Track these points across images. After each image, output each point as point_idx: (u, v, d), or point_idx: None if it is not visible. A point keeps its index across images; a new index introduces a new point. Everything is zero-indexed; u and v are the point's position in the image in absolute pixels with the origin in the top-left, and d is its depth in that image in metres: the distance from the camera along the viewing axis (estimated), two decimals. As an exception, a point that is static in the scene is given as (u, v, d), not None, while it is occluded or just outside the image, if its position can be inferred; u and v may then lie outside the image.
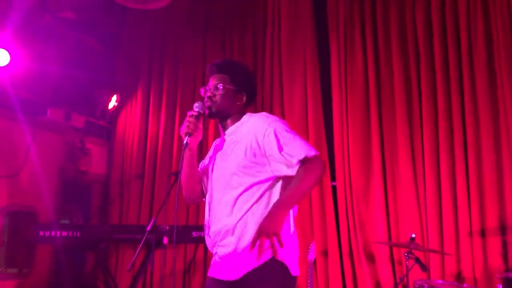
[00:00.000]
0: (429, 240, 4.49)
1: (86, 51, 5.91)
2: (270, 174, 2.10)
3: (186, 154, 2.27)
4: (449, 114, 4.59)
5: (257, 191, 2.09)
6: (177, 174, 4.20)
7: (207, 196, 2.30)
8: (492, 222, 4.26)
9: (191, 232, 4.89)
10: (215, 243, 2.17)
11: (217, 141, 2.36)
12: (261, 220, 1.99)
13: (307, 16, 5.39)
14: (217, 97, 2.23)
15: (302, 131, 5.21)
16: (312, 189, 2.14)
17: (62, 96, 5.53)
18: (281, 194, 2.09)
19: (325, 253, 4.89)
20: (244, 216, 2.07)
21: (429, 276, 4.32)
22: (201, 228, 4.91)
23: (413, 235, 3.81)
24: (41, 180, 5.29)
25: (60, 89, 5.49)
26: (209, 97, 2.25)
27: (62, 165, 5.69)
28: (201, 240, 4.85)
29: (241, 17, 5.88)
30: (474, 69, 4.52)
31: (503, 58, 4.39)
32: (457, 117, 4.53)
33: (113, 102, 6.30)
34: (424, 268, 3.77)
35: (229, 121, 2.27)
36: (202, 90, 2.30)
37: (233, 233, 2.08)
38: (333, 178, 5.06)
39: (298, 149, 2.05)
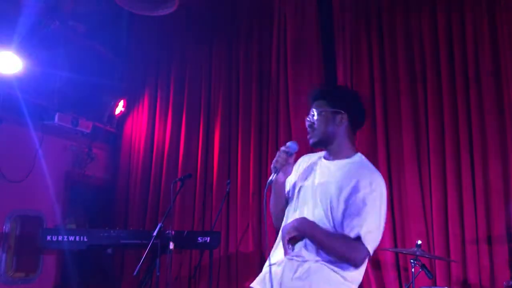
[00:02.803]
0: (435, 247, 4.48)
1: (94, 57, 5.96)
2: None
3: (275, 186, 2.18)
4: (455, 121, 4.58)
5: None
6: (182, 180, 4.22)
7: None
8: (498, 229, 4.24)
9: (197, 237, 4.90)
10: None
11: (312, 159, 2.28)
12: None
13: (312, 26, 5.40)
14: (315, 124, 2.15)
15: (307, 139, 5.20)
16: (339, 257, 1.97)
17: (69, 102, 5.57)
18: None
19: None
20: None
21: (435, 283, 4.30)
22: (206, 233, 4.93)
23: (419, 242, 3.81)
24: (48, 184, 5.33)
25: (68, 94, 5.53)
26: (309, 126, 2.19)
27: (69, 170, 5.73)
28: (207, 245, 4.87)
29: (248, 23, 5.91)
30: (480, 75, 4.52)
31: (509, 62, 4.39)
32: (463, 124, 4.53)
33: (120, 108, 6.34)
34: (430, 275, 3.77)
35: (335, 147, 2.15)
36: (306, 121, 2.22)
37: None
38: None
39: (374, 238, 1.96)
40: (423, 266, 3.78)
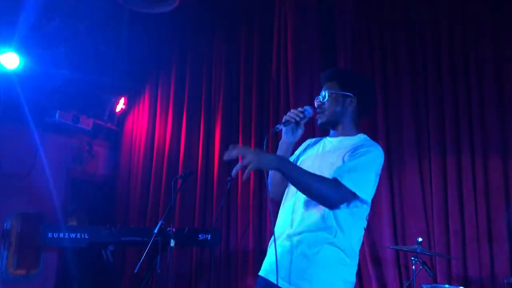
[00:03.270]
0: (436, 244, 4.48)
1: (94, 54, 5.96)
2: None
3: (281, 147, 2.26)
4: (456, 118, 4.58)
5: None
6: (183, 177, 4.23)
7: None
8: (499, 226, 4.24)
9: (198, 235, 4.91)
10: None
11: (313, 140, 2.37)
12: None
13: (313, 25, 5.40)
14: (325, 105, 2.21)
15: (308, 136, 5.21)
16: (311, 193, 1.99)
17: (70, 99, 5.58)
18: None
19: (331, 257, 4.88)
20: None
21: (435, 281, 4.31)
22: (207, 231, 4.94)
23: (420, 239, 3.81)
24: (49, 182, 5.34)
25: (69, 92, 5.54)
26: (318, 106, 2.24)
27: (70, 167, 5.74)
28: (207, 243, 4.87)
29: (248, 21, 5.90)
30: (481, 74, 4.51)
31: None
32: (464, 121, 4.52)
33: (120, 105, 6.35)
34: (431, 272, 3.77)
35: (340, 127, 2.23)
36: (315, 101, 2.28)
37: None
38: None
39: (356, 177, 1.98)
40: (423, 263, 3.79)
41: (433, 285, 3.98)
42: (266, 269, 2.16)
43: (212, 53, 6.08)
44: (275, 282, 1.98)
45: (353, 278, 2.09)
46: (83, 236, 4.51)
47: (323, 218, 2.03)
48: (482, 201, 4.33)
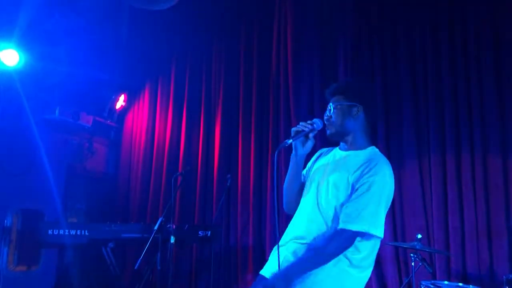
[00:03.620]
0: (435, 241, 4.49)
1: (94, 51, 5.95)
2: None
3: (293, 161, 2.29)
4: (455, 115, 4.58)
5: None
6: (183, 174, 4.23)
7: None
8: (498, 223, 4.25)
9: (198, 231, 4.92)
10: None
11: (325, 150, 2.40)
12: None
13: (313, 21, 5.39)
14: (332, 118, 2.23)
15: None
16: (331, 259, 2.03)
17: (70, 96, 5.58)
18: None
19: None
20: None
21: (434, 277, 4.32)
22: (207, 227, 4.95)
23: (419, 236, 3.82)
24: (49, 179, 5.35)
25: (69, 88, 5.54)
26: (326, 120, 2.27)
27: (70, 164, 5.75)
28: (207, 239, 4.89)
29: (248, 18, 5.90)
30: (481, 70, 4.52)
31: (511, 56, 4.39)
32: (463, 118, 4.53)
33: (120, 102, 6.35)
34: (430, 268, 3.78)
35: (350, 138, 2.25)
36: (324, 116, 2.30)
37: None
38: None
39: (363, 218, 2.00)
40: (423, 260, 3.80)
41: (432, 281, 3.99)
42: (268, 271, 2.20)
43: (212, 51, 6.08)
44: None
45: None
46: (83, 233, 4.53)
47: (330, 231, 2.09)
48: (482, 198, 4.33)
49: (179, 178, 4.30)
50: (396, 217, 4.71)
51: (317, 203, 2.16)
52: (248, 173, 5.48)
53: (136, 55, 6.49)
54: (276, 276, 1.97)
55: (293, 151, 2.29)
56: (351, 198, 2.05)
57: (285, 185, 2.38)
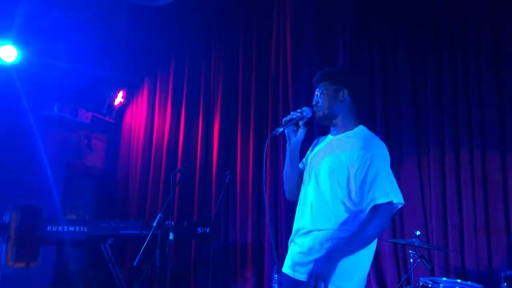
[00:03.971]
0: (434, 238, 4.49)
1: (93, 47, 5.94)
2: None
3: (290, 150, 2.37)
4: (455, 113, 4.58)
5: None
6: (182, 171, 4.23)
7: None
8: (497, 220, 4.25)
9: (197, 228, 4.93)
10: None
11: (322, 138, 2.48)
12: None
13: (313, 15, 5.39)
14: (319, 102, 2.32)
15: (307, 132, 5.20)
16: (375, 238, 2.14)
17: (69, 92, 5.57)
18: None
19: (329, 250, 4.90)
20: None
21: (433, 274, 4.32)
22: (206, 224, 4.95)
23: (418, 233, 3.82)
24: (48, 175, 5.34)
25: (67, 85, 5.52)
26: (314, 105, 2.35)
27: (68, 160, 5.74)
28: (206, 236, 4.89)
29: (247, 14, 5.88)
30: (480, 67, 4.51)
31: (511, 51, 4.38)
32: (463, 115, 4.53)
33: (119, 99, 6.34)
34: (429, 265, 3.79)
35: (339, 121, 2.32)
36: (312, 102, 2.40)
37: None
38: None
39: (378, 191, 2.06)
40: (421, 256, 3.80)
41: (431, 278, 3.99)
42: (289, 266, 2.25)
43: (211, 47, 6.06)
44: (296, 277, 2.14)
45: (367, 267, 2.23)
46: (82, 230, 4.53)
47: (338, 219, 2.15)
48: (480, 195, 4.34)
49: (178, 175, 4.29)
50: (395, 214, 4.72)
51: (318, 190, 2.20)
52: (247, 170, 5.48)
53: (135, 52, 6.48)
54: (320, 262, 1.97)
55: (288, 141, 2.36)
56: (364, 177, 2.08)
57: (284, 174, 2.44)
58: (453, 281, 3.89)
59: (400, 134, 4.80)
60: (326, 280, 1.91)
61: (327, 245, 2.08)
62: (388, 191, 2.07)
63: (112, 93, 6.27)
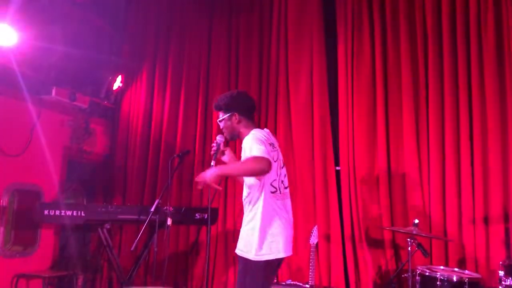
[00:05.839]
0: (432, 226, 4.50)
1: (92, 31, 5.88)
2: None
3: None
4: (456, 100, 4.56)
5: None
6: (180, 156, 4.21)
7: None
8: (495, 209, 4.26)
9: (195, 213, 4.92)
10: None
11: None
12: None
13: (314, 2, 5.34)
14: (224, 129, 3.01)
15: (307, 117, 5.20)
16: (250, 172, 2.71)
17: (67, 76, 5.52)
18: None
19: (327, 237, 4.92)
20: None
21: (431, 262, 4.33)
22: (204, 210, 4.95)
23: (416, 221, 3.82)
24: (46, 159, 5.32)
25: (65, 69, 5.47)
26: (222, 129, 3.03)
27: (66, 144, 5.71)
28: (204, 222, 4.89)
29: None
30: (483, 57, 4.48)
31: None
32: (464, 103, 4.50)
33: (117, 83, 6.28)
34: (426, 254, 3.79)
35: (242, 134, 2.93)
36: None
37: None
38: (337, 163, 5.07)
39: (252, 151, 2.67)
40: (419, 245, 3.80)
41: (428, 266, 4.00)
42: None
43: (211, 30, 6.00)
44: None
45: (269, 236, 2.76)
46: (79, 214, 4.52)
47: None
48: (480, 184, 4.34)
49: (176, 160, 4.27)
50: (393, 202, 4.72)
51: None
52: (245, 156, 5.46)
53: (133, 35, 6.41)
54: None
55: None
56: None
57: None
58: (450, 270, 3.91)
59: (400, 120, 4.79)
60: (206, 183, 2.65)
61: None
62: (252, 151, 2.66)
63: (110, 77, 6.21)
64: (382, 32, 4.97)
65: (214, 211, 5.15)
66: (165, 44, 6.24)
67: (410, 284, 3.74)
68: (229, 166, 2.95)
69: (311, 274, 4.39)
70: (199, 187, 2.70)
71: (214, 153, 2.99)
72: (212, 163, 2.89)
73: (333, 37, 5.24)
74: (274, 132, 5.32)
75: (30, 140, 5.14)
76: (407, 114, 4.73)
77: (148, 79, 6.26)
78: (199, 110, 5.86)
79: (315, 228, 4.57)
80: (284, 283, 4.69)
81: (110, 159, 6.29)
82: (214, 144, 3.01)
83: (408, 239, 3.82)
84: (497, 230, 4.23)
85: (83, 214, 4.49)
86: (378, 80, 4.90)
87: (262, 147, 2.66)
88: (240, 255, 2.76)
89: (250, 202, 2.80)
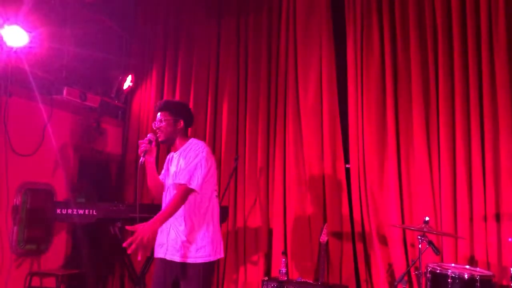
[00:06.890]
0: (443, 223, 4.48)
1: (102, 32, 5.92)
2: None
3: (147, 167, 3.11)
4: (467, 98, 4.53)
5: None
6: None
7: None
8: (507, 207, 4.23)
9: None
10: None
11: (169, 156, 3.19)
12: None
13: (322, 2, 5.33)
14: (161, 130, 3.03)
15: (316, 114, 5.20)
16: (179, 207, 2.84)
17: (77, 76, 5.56)
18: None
19: (338, 235, 4.92)
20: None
21: (442, 260, 4.32)
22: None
23: (427, 218, 3.81)
24: (58, 158, 5.37)
25: (76, 69, 5.52)
26: (157, 128, 3.04)
27: (78, 144, 5.76)
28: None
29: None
30: (493, 53, 4.44)
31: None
32: (475, 100, 4.47)
33: (128, 83, 6.31)
34: (437, 251, 3.78)
35: (176, 143, 3.07)
36: (153, 124, 3.06)
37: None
38: (347, 160, 5.06)
39: (186, 175, 2.83)
40: (430, 242, 3.79)
41: (439, 264, 3.99)
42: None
43: (220, 30, 6.01)
44: None
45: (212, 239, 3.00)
46: (91, 213, 4.55)
47: None
48: (491, 181, 4.31)
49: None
50: (404, 199, 4.71)
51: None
52: (255, 154, 5.48)
53: (143, 35, 6.45)
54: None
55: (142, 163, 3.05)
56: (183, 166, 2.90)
57: (149, 182, 3.17)
58: (462, 267, 3.89)
59: (410, 117, 4.77)
60: (143, 239, 2.61)
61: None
62: (196, 171, 2.86)
63: (120, 77, 6.25)
64: (391, 31, 4.95)
65: (225, 210, 5.17)
66: (174, 45, 6.26)
67: (421, 282, 3.73)
68: (162, 215, 2.78)
69: (321, 272, 4.39)
70: (139, 258, 2.68)
71: (145, 150, 3.00)
72: (141, 159, 2.99)
73: (342, 36, 5.24)
74: (284, 132, 5.34)
75: (42, 140, 5.19)
76: (417, 113, 4.71)
77: (157, 79, 6.29)
78: (209, 110, 5.87)
79: (325, 226, 4.57)
80: (294, 281, 4.70)
81: (121, 158, 6.33)
82: (146, 141, 3.02)
83: (419, 237, 3.81)
84: (509, 227, 4.20)
85: (95, 213, 4.52)
86: (387, 79, 4.89)
87: (205, 171, 2.86)
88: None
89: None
